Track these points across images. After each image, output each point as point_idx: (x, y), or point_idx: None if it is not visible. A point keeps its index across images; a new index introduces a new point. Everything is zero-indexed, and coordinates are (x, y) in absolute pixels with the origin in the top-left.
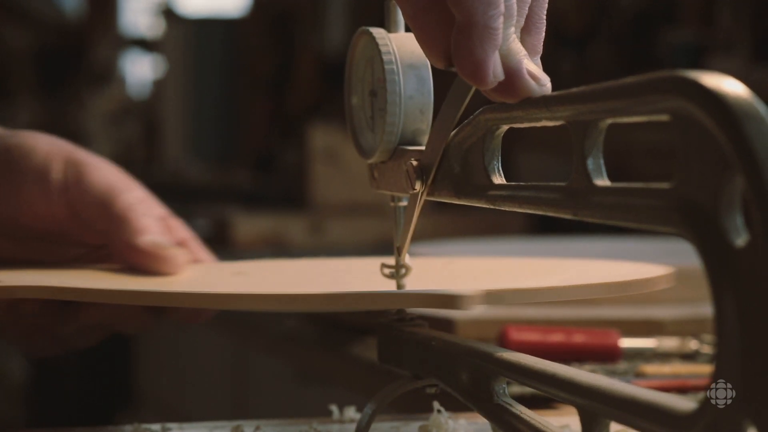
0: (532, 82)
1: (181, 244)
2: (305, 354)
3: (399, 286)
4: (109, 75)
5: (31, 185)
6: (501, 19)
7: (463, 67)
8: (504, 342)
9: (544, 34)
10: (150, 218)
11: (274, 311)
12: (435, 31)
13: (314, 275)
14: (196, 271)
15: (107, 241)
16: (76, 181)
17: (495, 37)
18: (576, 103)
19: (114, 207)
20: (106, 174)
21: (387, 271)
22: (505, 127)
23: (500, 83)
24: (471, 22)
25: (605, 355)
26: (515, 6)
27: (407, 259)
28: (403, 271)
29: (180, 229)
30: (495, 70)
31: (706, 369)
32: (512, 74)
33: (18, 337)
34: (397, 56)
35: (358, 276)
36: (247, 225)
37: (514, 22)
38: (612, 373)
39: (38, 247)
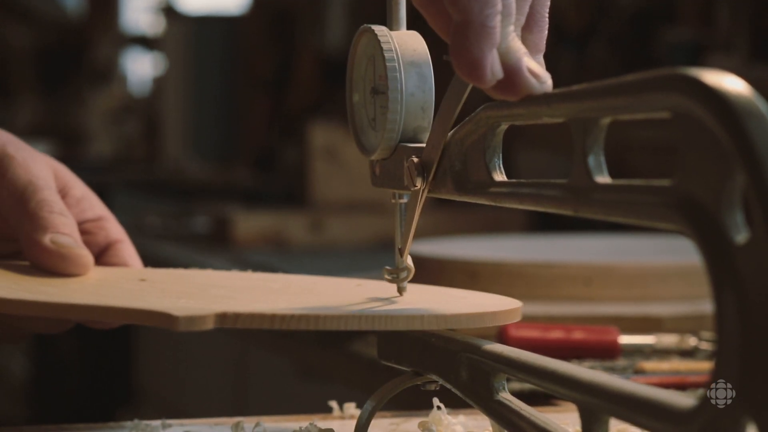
0: (532, 80)
1: (109, 246)
2: (305, 350)
3: (400, 290)
4: (109, 73)
5: None
6: (498, 18)
7: (460, 65)
8: (503, 339)
9: (546, 32)
10: (63, 217)
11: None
12: (446, 17)
13: (209, 287)
14: (100, 275)
15: (18, 236)
16: None
17: (492, 36)
18: (577, 101)
19: (29, 203)
20: (32, 170)
21: (388, 274)
22: (505, 125)
23: (500, 81)
24: (467, 20)
25: (604, 352)
26: (514, 4)
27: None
28: (404, 274)
29: (113, 232)
30: (493, 69)
31: (705, 366)
32: (512, 72)
33: None
34: (399, 54)
35: (247, 292)
36: (248, 223)
37: (513, 20)
38: (611, 370)
39: None
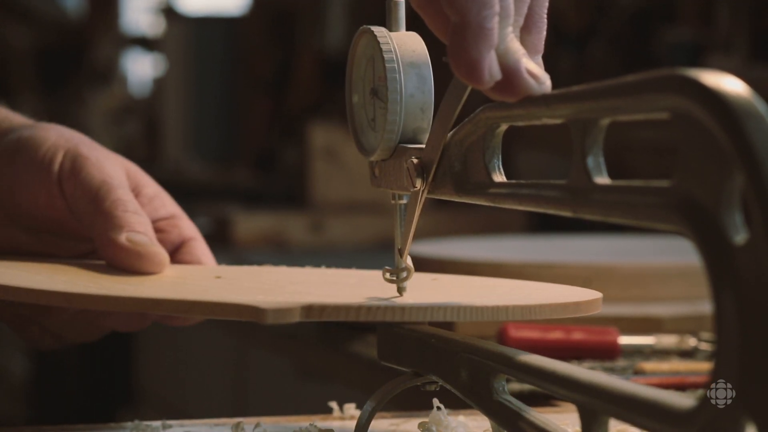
0: (531, 81)
1: (182, 244)
2: (306, 351)
3: (400, 290)
4: (110, 74)
5: (33, 176)
6: (496, 19)
7: (459, 67)
8: (503, 339)
9: (545, 33)
10: (138, 216)
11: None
12: (445, 18)
13: (286, 284)
14: (175, 273)
15: (93, 236)
16: (72, 174)
17: (490, 37)
18: (576, 102)
19: (103, 202)
20: (105, 169)
21: (388, 275)
22: (505, 126)
23: (499, 82)
24: (465, 22)
25: (604, 353)
26: (512, 5)
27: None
28: (404, 274)
29: (186, 229)
30: (491, 70)
31: (704, 366)
32: (510, 73)
33: (10, 326)
34: (398, 55)
35: (324, 287)
36: (248, 223)
37: (512, 21)
38: (611, 371)
39: (51, 241)
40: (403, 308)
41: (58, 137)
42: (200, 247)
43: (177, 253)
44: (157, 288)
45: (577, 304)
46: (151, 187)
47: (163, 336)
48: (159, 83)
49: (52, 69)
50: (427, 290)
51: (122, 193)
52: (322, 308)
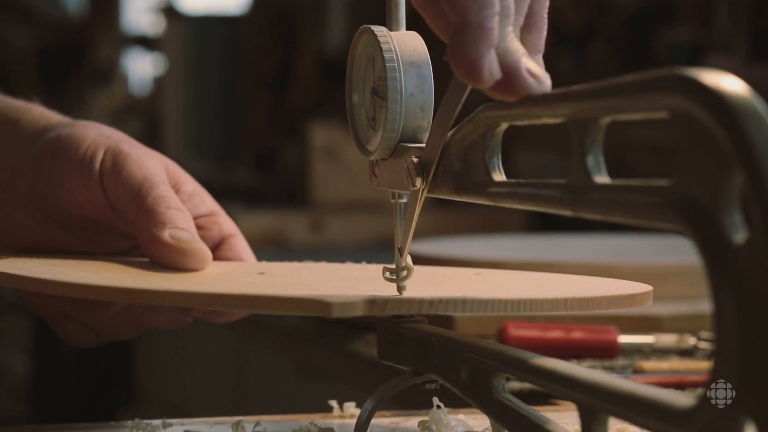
0: (531, 80)
1: (223, 241)
2: (305, 350)
3: (399, 289)
4: (110, 73)
5: (74, 173)
6: (496, 19)
7: (459, 66)
8: (503, 338)
9: (545, 32)
10: (180, 212)
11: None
12: (445, 18)
13: (329, 279)
14: (218, 269)
15: (135, 233)
16: (114, 172)
17: (490, 37)
18: (576, 101)
19: (146, 199)
20: (147, 167)
21: (388, 274)
22: (505, 125)
23: (499, 81)
24: (465, 22)
25: (604, 352)
26: (512, 5)
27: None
28: (404, 273)
29: (226, 226)
30: (491, 69)
31: (704, 365)
32: (510, 72)
33: (50, 323)
34: (398, 54)
35: (367, 282)
36: (248, 222)
37: (512, 21)
38: (610, 369)
39: (90, 238)
40: (464, 301)
41: (98, 134)
42: (240, 244)
43: (217, 250)
44: (205, 283)
45: (632, 296)
46: (190, 184)
47: (164, 335)
48: (159, 82)
49: (52, 68)
50: (475, 285)
51: (164, 190)
52: (386, 302)
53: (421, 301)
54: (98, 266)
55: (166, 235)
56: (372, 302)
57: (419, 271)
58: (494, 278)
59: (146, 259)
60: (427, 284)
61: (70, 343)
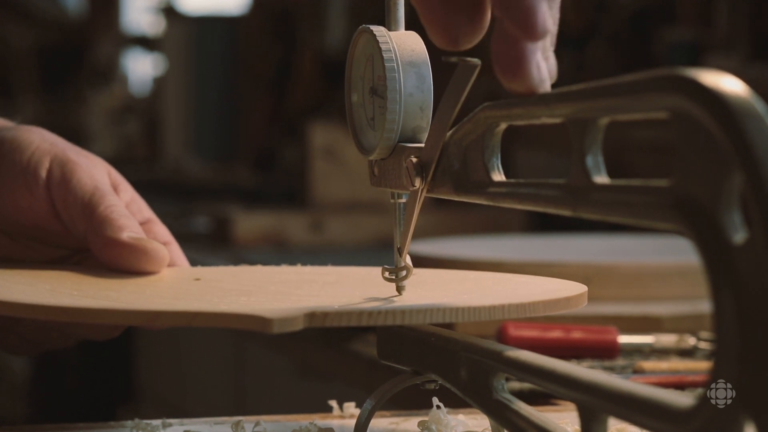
0: (535, 70)
1: None
2: (305, 350)
3: (399, 289)
4: (110, 73)
5: (16, 179)
6: None
7: (513, 16)
8: (503, 338)
9: (556, 29)
10: (130, 220)
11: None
12: (439, 10)
13: (266, 284)
14: (154, 276)
15: (88, 241)
16: (61, 181)
17: None
18: (575, 101)
19: (97, 208)
20: (94, 176)
21: (387, 273)
22: (504, 125)
23: (506, 65)
24: None
25: (603, 352)
26: None
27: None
28: (403, 273)
29: (161, 234)
30: (545, 22)
31: (703, 365)
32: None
33: None
34: (398, 54)
35: (303, 286)
36: (248, 223)
37: None
38: (610, 370)
39: (28, 244)
40: (403, 311)
41: (42, 140)
42: (175, 251)
43: None
44: (142, 293)
45: (567, 300)
46: (128, 191)
47: (163, 335)
48: (159, 83)
49: (52, 69)
50: (417, 288)
51: (113, 199)
52: (325, 315)
53: (360, 313)
54: (34, 276)
55: (124, 236)
56: (312, 315)
57: (353, 273)
58: (433, 279)
59: (80, 267)
60: (361, 288)
61: (9, 353)
